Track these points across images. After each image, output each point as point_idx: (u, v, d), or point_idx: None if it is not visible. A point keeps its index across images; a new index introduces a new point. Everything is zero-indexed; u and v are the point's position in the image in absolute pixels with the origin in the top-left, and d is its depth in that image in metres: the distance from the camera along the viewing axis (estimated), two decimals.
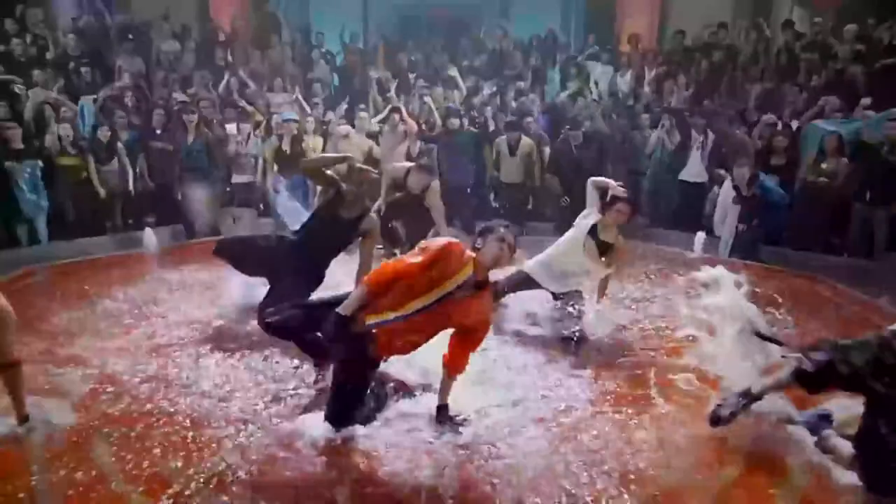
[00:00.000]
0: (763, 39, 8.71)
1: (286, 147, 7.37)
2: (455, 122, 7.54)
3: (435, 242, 2.93)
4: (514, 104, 8.32)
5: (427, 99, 8.14)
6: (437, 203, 5.30)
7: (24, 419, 2.96)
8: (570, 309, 4.24)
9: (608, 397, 3.49)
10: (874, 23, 8.01)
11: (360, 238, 4.20)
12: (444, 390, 3.13)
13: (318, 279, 4.11)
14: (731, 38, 9.03)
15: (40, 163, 6.57)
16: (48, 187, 6.66)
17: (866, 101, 6.82)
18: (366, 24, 11.27)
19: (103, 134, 7.00)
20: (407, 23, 11.45)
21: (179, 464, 2.77)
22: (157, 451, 2.87)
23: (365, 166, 4.16)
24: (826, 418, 2.90)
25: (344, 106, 8.34)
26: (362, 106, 7.95)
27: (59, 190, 6.81)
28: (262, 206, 7.86)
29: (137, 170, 7.37)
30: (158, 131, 7.44)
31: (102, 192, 6.97)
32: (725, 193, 6.63)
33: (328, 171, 4.12)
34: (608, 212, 4.27)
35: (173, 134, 7.38)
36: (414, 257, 2.89)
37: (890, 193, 6.17)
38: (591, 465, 2.83)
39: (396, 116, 7.57)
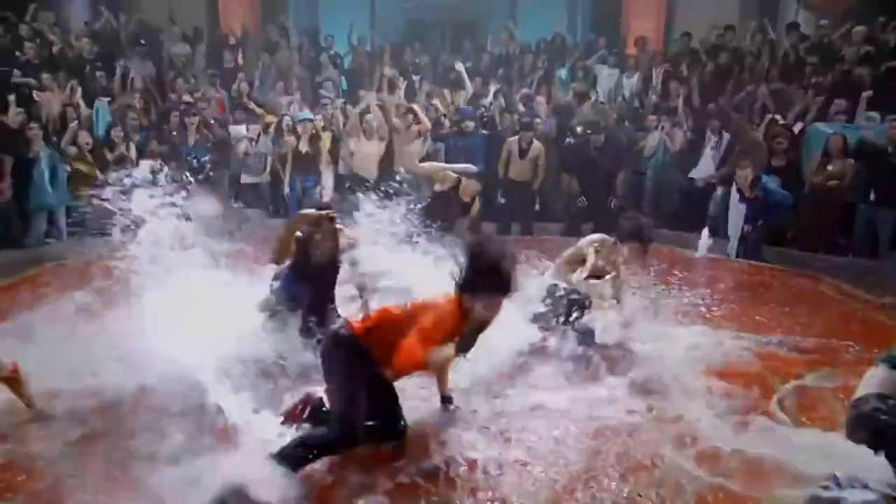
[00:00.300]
0: (768, 42, 8.74)
1: (304, 147, 7.53)
2: (470, 124, 7.67)
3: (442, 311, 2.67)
4: (521, 108, 8.39)
5: (435, 101, 8.25)
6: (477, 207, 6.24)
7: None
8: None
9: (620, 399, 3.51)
10: (884, 21, 8.01)
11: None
12: (444, 381, 3.24)
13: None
14: (738, 41, 9.06)
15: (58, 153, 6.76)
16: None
17: (868, 93, 6.87)
18: (373, 27, 11.38)
19: (116, 134, 7.14)
20: (414, 25, 11.54)
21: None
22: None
23: (323, 212, 3.89)
24: None
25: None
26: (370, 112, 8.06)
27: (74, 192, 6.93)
28: (270, 206, 7.98)
29: None
30: (175, 132, 7.59)
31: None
32: (734, 194, 6.70)
33: (293, 240, 3.89)
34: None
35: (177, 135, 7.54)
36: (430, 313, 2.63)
37: (894, 194, 6.22)
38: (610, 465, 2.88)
39: (410, 116, 7.69)
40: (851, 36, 7.90)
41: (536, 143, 7.54)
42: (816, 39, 8.40)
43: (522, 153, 7.51)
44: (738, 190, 6.38)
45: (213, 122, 7.85)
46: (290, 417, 2.91)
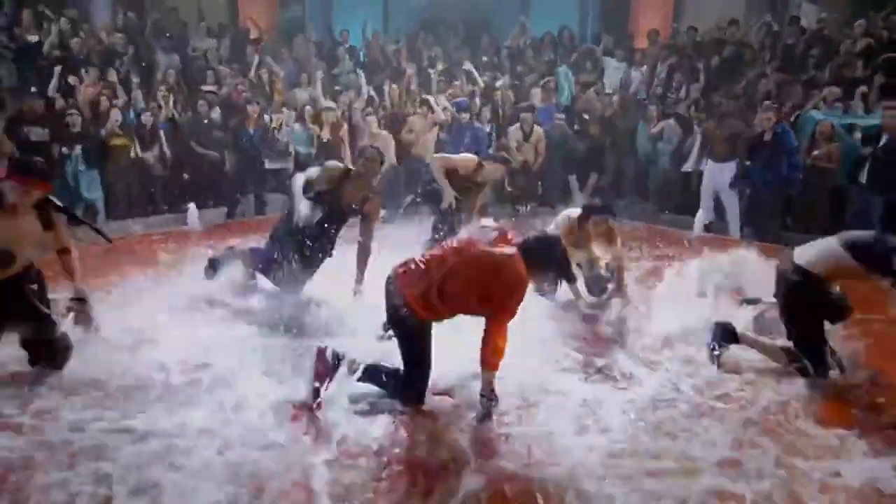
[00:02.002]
0: (771, 35, 8.98)
1: (325, 135, 7.98)
2: (465, 115, 8.01)
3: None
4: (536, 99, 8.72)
5: (450, 92, 8.65)
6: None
7: (80, 294, 3.48)
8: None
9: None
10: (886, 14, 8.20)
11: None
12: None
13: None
14: (741, 35, 9.28)
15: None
16: (102, 170, 7.29)
17: (863, 88, 7.12)
18: (386, 25, 11.71)
19: (146, 119, 7.58)
20: (426, 23, 11.85)
21: None
22: None
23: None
24: None
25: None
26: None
27: (111, 172, 7.38)
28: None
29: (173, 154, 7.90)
30: (206, 121, 8.02)
31: (157, 166, 7.53)
32: (709, 178, 7.10)
33: None
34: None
35: (226, 122, 8.00)
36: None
37: (888, 179, 6.46)
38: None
39: (425, 108, 8.18)
40: (854, 28, 8.13)
41: (537, 128, 7.97)
42: (816, 32, 8.61)
43: (526, 137, 7.92)
44: (760, 134, 6.71)
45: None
46: (320, 377, 3.03)
